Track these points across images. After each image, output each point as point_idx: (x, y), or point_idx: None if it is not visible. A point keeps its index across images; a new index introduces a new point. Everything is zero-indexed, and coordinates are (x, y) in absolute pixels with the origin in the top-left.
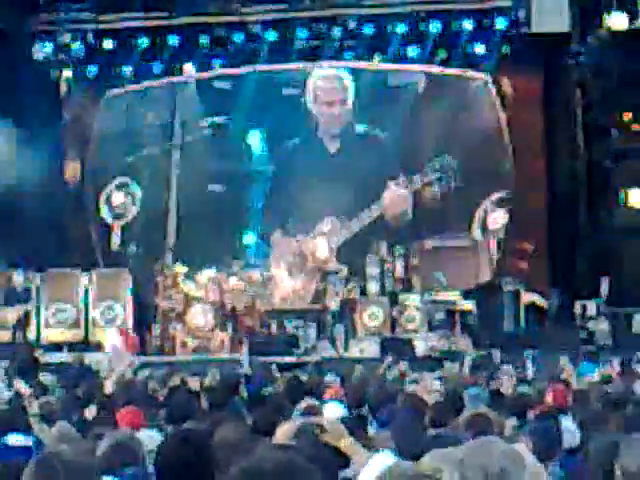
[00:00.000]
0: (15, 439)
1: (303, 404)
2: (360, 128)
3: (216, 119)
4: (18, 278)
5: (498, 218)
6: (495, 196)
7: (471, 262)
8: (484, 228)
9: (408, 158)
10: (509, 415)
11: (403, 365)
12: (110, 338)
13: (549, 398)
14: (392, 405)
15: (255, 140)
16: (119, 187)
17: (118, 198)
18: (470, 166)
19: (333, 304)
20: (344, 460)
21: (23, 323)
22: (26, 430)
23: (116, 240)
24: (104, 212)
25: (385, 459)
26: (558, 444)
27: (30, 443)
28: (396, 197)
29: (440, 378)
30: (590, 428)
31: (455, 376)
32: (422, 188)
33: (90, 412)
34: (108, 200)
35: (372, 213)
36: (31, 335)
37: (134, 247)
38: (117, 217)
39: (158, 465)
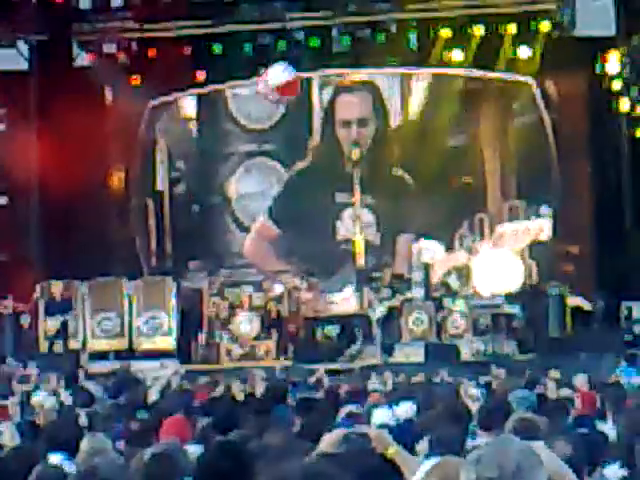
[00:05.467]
0: (56, 459)
1: (345, 410)
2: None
3: None
4: (57, 289)
5: None
6: None
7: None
8: None
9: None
10: (552, 419)
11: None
12: None
13: (579, 403)
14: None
15: None
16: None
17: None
18: (515, 170)
19: (378, 310)
20: (393, 468)
21: (62, 334)
22: (72, 446)
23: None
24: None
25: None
26: (601, 450)
27: (69, 469)
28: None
29: (485, 384)
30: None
31: (503, 380)
32: None
33: (135, 422)
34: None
35: None
36: (77, 344)
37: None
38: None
39: (195, 476)
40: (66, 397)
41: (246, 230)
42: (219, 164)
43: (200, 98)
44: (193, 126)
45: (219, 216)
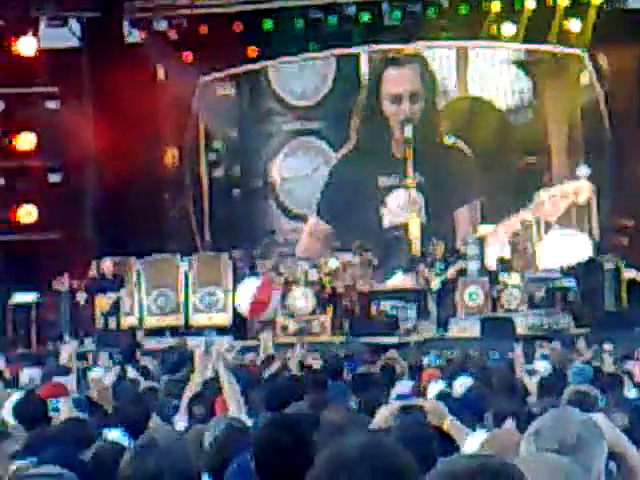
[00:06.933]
0: (115, 435)
1: (401, 385)
2: None
3: None
4: (107, 266)
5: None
6: None
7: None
8: None
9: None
10: (608, 392)
11: None
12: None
13: (638, 374)
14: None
15: None
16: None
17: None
18: (568, 142)
19: (434, 284)
20: (448, 440)
21: (115, 311)
22: (139, 425)
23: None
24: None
25: (482, 437)
26: None
27: (125, 443)
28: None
29: (544, 356)
30: None
31: (559, 354)
32: None
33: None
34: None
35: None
36: (133, 321)
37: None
38: None
39: (255, 452)
40: (133, 373)
41: (292, 217)
42: (261, 145)
43: (240, 74)
44: (233, 104)
45: (262, 201)
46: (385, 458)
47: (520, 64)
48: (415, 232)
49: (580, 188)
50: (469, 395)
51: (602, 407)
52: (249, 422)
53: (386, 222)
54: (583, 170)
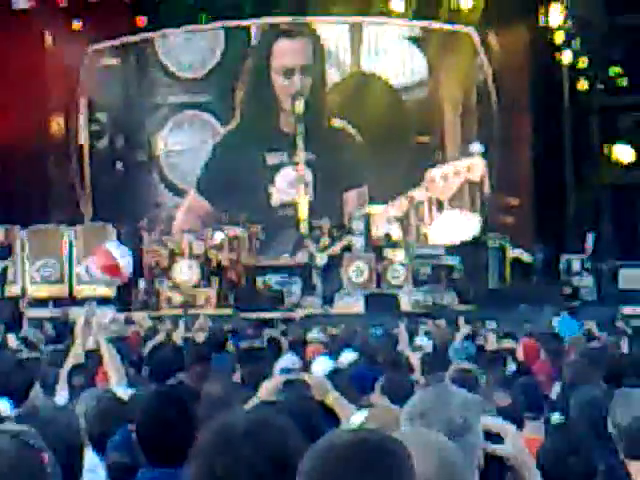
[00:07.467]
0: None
1: (285, 360)
2: None
3: None
4: None
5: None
6: None
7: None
8: None
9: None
10: (490, 370)
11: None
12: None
13: (520, 353)
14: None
15: None
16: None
17: None
18: (462, 121)
19: (319, 259)
20: (331, 415)
21: (1, 280)
22: (20, 393)
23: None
24: None
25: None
26: (539, 400)
27: (9, 413)
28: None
29: (427, 333)
30: (572, 383)
31: (443, 330)
32: None
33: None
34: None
35: None
36: (16, 290)
37: None
38: None
39: (138, 424)
40: (13, 342)
41: (176, 191)
42: (146, 117)
43: (127, 45)
44: (118, 75)
45: (146, 174)
46: (271, 436)
47: (414, 41)
48: (304, 211)
49: (473, 165)
50: (353, 370)
51: (484, 385)
52: (128, 393)
53: (275, 200)
54: (476, 147)
